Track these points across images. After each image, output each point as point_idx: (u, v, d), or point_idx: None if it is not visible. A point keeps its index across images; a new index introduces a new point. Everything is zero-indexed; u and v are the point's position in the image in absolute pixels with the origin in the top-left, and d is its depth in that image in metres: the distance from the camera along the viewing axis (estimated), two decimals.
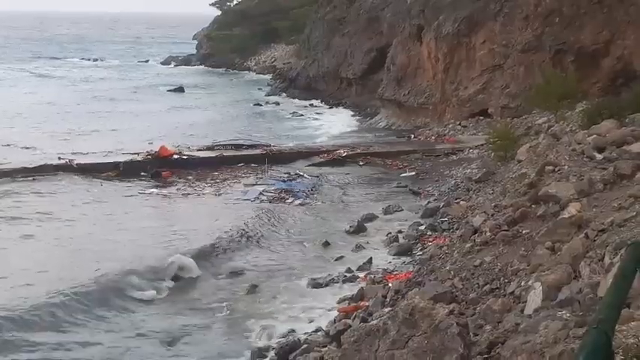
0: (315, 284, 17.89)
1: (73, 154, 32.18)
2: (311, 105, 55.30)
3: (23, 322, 15.28)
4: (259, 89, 64.57)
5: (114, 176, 29.56)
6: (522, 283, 10.78)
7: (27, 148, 34.74)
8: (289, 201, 26.21)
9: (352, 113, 50.00)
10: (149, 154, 31.59)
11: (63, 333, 15.34)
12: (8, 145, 35.19)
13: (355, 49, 52.64)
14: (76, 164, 30.16)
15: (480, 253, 13.51)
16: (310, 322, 15.69)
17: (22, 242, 21.01)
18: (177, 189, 28.19)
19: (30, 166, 29.54)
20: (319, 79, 58.41)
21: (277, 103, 56.29)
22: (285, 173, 30.48)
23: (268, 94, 61.39)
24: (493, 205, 16.93)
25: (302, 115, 50.79)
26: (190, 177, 29.93)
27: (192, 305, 17.19)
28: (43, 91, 58.93)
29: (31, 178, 28.35)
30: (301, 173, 30.42)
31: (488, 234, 14.09)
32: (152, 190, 28.08)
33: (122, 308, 16.77)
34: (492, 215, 15.56)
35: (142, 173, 30.14)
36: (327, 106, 54.29)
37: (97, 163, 30.83)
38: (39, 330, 15.15)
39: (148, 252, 19.95)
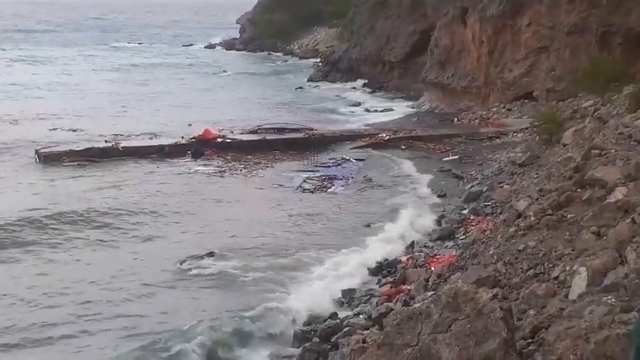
0: (358, 267, 17.91)
1: (118, 136, 32.75)
2: (353, 88, 55.11)
3: None
4: (302, 73, 64.53)
5: (159, 158, 29.96)
6: (567, 268, 10.67)
7: (73, 130, 35.38)
8: (332, 188, 26.19)
9: (394, 96, 49.72)
10: (193, 137, 31.94)
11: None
12: (55, 128, 35.83)
13: (398, 32, 52.26)
14: (122, 147, 30.62)
15: (524, 237, 13.38)
16: (352, 306, 15.74)
17: None
18: (220, 171, 28.44)
19: (77, 149, 30.06)
20: (361, 63, 58.12)
21: (319, 87, 56.22)
22: (330, 159, 30.48)
23: (311, 78, 61.30)
24: (538, 189, 16.73)
25: (344, 98, 50.66)
26: (232, 160, 30.16)
27: (236, 287, 17.37)
28: (88, 76, 59.72)
29: (76, 163, 28.86)
30: (347, 157, 30.39)
31: (532, 218, 13.94)
32: (197, 168, 28.49)
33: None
34: (537, 199, 15.38)
35: (188, 152, 30.58)
36: (370, 90, 54.06)
37: (143, 146, 31.29)
38: None
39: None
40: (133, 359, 13.54)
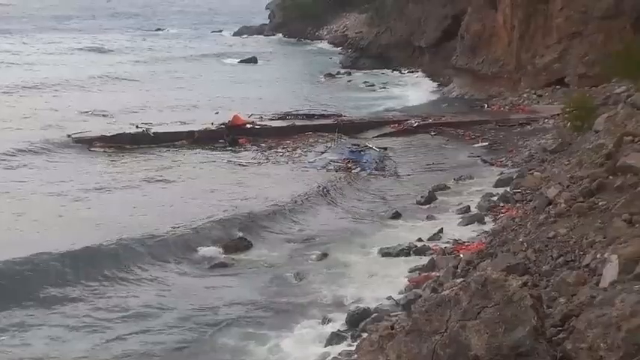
0: (386, 253, 17.92)
1: (148, 123, 32.96)
2: (382, 74, 54.88)
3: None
4: (330, 58, 64.31)
5: (188, 144, 30.13)
6: (598, 256, 10.57)
7: (104, 115, 35.65)
8: (356, 171, 26.22)
9: (425, 82, 49.47)
10: (223, 123, 32.07)
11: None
12: (86, 112, 36.10)
13: (429, 16, 51.81)
14: (152, 133, 30.82)
15: (554, 224, 13.28)
16: (380, 292, 15.75)
17: None
18: (253, 157, 28.59)
19: (108, 135, 30.31)
20: (391, 48, 57.78)
21: (349, 73, 55.90)
22: (353, 144, 30.44)
23: (339, 64, 61.11)
24: (569, 176, 16.57)
25: (373, 84, 50.46)
26: (263, 145, 30.25)
27: (264, 270, 17.49)
28: (116, 62, 59.94)
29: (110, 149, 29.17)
30: (370, 145, 30.27)
31: (563, 205, 13.82)
32: (228, 157, 28.66)
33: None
34: (568, 186, 15.24)
35: (220, 141, 30.69)
36: (399, 75, 53.82)
37: (173, 132, 31.48)
38: None
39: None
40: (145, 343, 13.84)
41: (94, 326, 14.49)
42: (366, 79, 52.77)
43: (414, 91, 46.46)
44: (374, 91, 48.10)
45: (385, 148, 29.78)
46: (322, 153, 28.78)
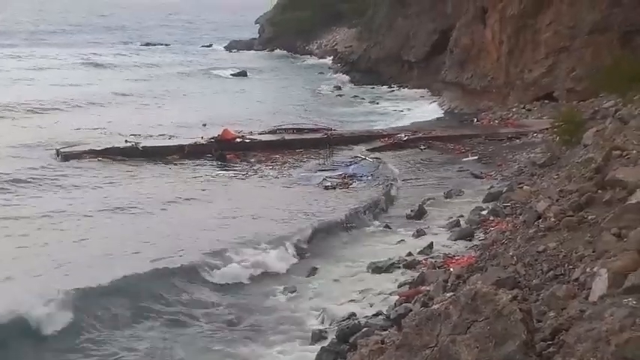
0: (375, 268, 17.86)
1: (137, 136, 32.91)
2: (372, 88, 55.12)
3: None
4: (320, 73, 64.58)
5: (178, 159, 30.07)
6: (587, 270, 10.57)
7: (95, 129, 35.54)
8: (353, 186, 26.20)
9: (414, 96, 49.66)
10: (212, 138, 32.05)
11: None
12: (79, 128, 35.93)
13: (418, 30, 52.16)
14: (142, 147, 30.76)
15: (544, 238, 13.28)
16: (370, 306, 15.70)
17: None
18: (241, 171, 28.56)
19: (97, 149, 30.25)
20: (380, 62, 58.09)
21: (338, 87, 56.18)
22: (347, 158, 30.46)
23: (329, 78, 61.34)
24: (558, 190, 16.60)
25: (363, 98, 50.64)
26: (252, 160, 30.22)
27: (251, 286, 17.42)
28: (106, 76, 59.99)
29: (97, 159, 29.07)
30: (363, 156, 30.40)
31: (552, 219, 13.83)
32: (217, 172, 28.59)
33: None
34: (557, 200, 15.26)
35: (208, 155, 30.60)
36: (388, 89, 54.01)
37: (162, 146, 31.43)
38: None
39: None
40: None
41: None
42: (355, 93, 52.99)
43: (403, 105, 46.62)
44: (363, 104, 48.29)
45: (379, 159, 29.84)
46: (316, 170, 28.66)
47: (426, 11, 52.01)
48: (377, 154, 30.88)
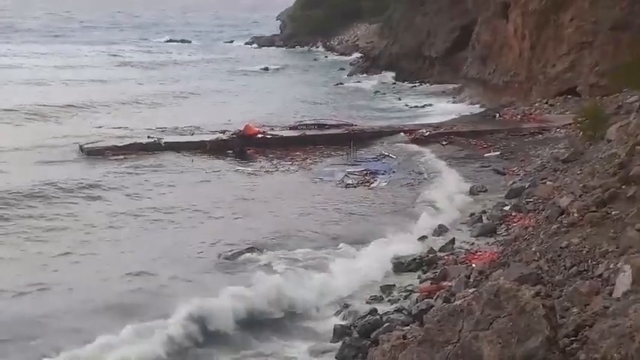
0: (398, 264, 17.89)
1: (160, 131, 33.12)
2: (393, 84, 55.03)
3: None
4: (342, 69, 64.49)
5: (200, 154, 30.18)
6: (611, 266, 10.52)
7: (118, 127, 35.67)
8: (375, 183, 26.17)
9: (433, 91, 49.51)
10: (234, 133, 32.15)
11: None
12: (101, 127, 36.04)
13: (438, 27, 52.04)
14: (164, 143, 30.93)
15: (567, 234, 13.22)
16: (392, 302, 15.72)
17: None
18: (261, 167, 28.64)
19: (120, 145, 30.46)
20: (401, 59, 58.01)
21: (359, 83, 56.14)
22: (371, 154, 30.44)
23: (351, 74, 61.30)
24: (581, 185, 16.49)
25: (384, 94, 50.55)
26: (273, 156, 30.29)
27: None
28: (131, 73, 60.37)
29: (122, 157, 29.23)
30: (387, 153, 30.32)
31: (575, 215, 13.76)
32: (238, 167, 28.65)
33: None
34: (580, 196, 15.17)
35: (228, 151, 30.70)
36: (410, 85, 53.90)
37: (184, 142, 31.58)
38: None
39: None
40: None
41: None
42: (376, 88, 52.89)
43: (425, 100, 46.50)
44: (385, 100, 48.16)
45: (403, 155, 29.79)
46: (338, 165, 28.65)
47: (444, 10, 51.96)
48: (402, 151, 30.79)
